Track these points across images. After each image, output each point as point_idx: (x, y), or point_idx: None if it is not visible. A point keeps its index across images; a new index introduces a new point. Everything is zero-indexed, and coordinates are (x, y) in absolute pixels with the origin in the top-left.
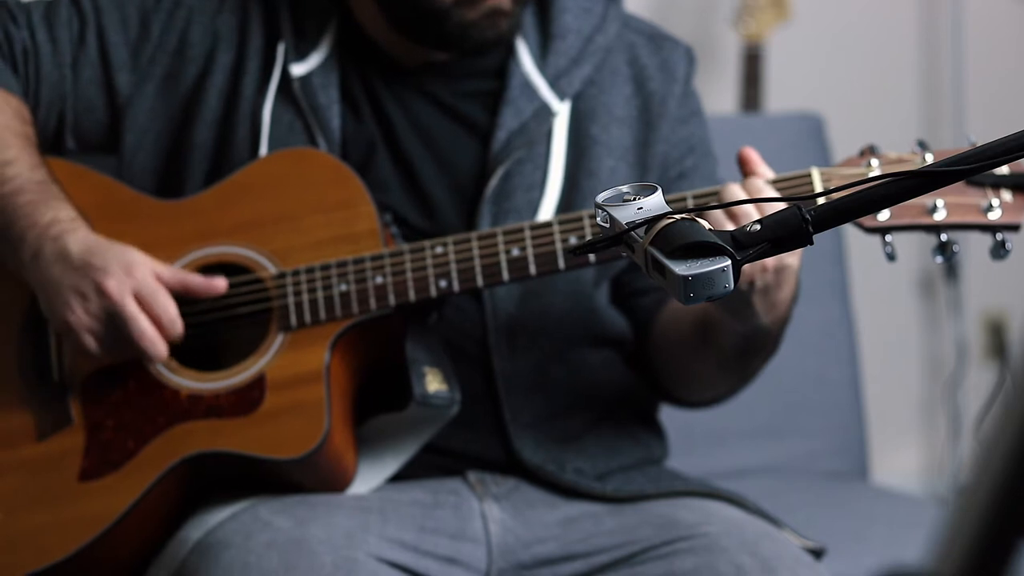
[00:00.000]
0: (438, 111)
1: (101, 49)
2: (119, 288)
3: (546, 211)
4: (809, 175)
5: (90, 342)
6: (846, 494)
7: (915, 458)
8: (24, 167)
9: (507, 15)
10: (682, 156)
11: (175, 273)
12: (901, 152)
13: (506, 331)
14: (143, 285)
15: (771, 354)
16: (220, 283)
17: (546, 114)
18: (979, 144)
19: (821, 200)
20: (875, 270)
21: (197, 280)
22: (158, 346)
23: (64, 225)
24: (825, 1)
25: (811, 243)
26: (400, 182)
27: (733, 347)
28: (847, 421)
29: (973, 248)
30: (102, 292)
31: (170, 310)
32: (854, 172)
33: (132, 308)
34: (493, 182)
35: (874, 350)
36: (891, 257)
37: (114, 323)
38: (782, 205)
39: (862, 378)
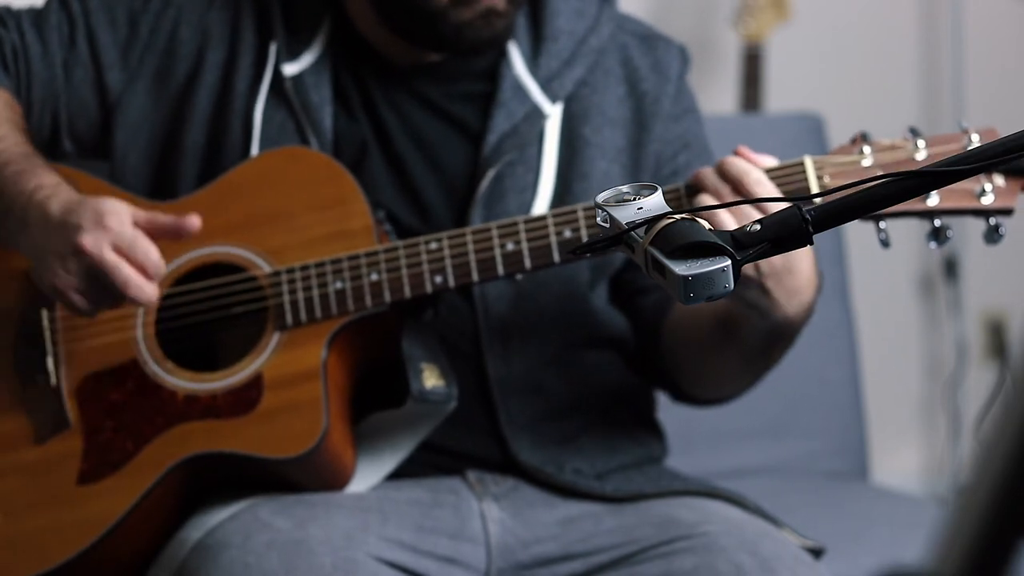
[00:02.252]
0: (430, 112)
1: (91, 50)
2: (95, 242)
3: (538, 213)
4: (802, 164)
5: (79, 301)
6: (846, 494)
7: (915, 458)
8: (10, 143)
9: (502, 16)
10: (675, 153)
11: (147, 215)
12: (894, 138)
13: (499, 333)
14: (119, 234)
15: (790, 346)
16: (193, 220)
17: (537, 116)
18: (969, 129)
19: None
20: (875, 270)
21: (165, 219)
22: (146, 290)
23: (47, 191)
24: (825, 1)
25: (811, 243)
26: (392, 183)
27: (758, 343)
28: (847, 421)
29: (973, 248)
30: (79, 250)
31: (151, 254)
32: (847, 160)
33: (111, 259)
34: (484, 184)
35: (874, 350)
36: (885, 244)
37: (98, 278)
38: (782, 203)
39: (862, 378)
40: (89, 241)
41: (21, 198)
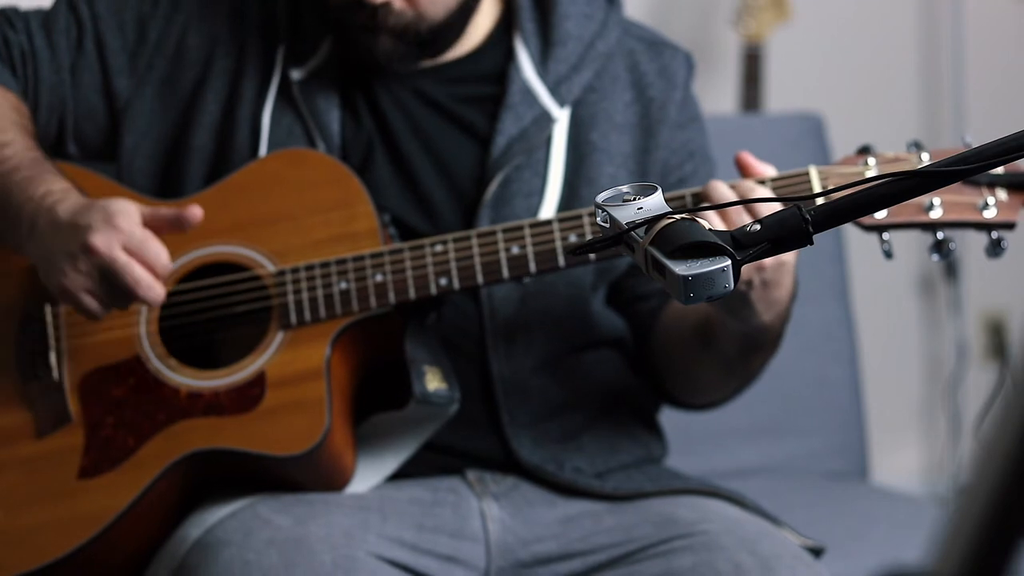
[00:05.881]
0: (437, 115)
1: (99, 55)
2: (106, 242)
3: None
4: (807, 174)
5: (89, 302)
6: (846, 494)
7: (915, 458)
8: (19, 148)
9: (390, 53)
10: (681, 162)
11: (150, 209)
12: (898, 151)
13: (503, 333)
14: (130, 234)
15: (772, 353)
16: (195, 210)
17: (546, 121)
18: (974, 145)
19: (820, 200)
20: (875, 270)
21: (168, 212)
22: (156, 290)
23: (56, 196)
24: (825, 1)
25: (811, 243)
26: (399, 186)
27: (735, 348)
28: (847, 421)
29: (972, 248)
30: (89, 249)
31: (161, 255)
32: (852, 171)
33: (122, 258)
34: (492, 188)
35: (874, 350)
36: (888, 255)
37: (108, 278)
38: (781, 205)
39: (862, 378)
40: (100, 240)
41: (30, 204)
